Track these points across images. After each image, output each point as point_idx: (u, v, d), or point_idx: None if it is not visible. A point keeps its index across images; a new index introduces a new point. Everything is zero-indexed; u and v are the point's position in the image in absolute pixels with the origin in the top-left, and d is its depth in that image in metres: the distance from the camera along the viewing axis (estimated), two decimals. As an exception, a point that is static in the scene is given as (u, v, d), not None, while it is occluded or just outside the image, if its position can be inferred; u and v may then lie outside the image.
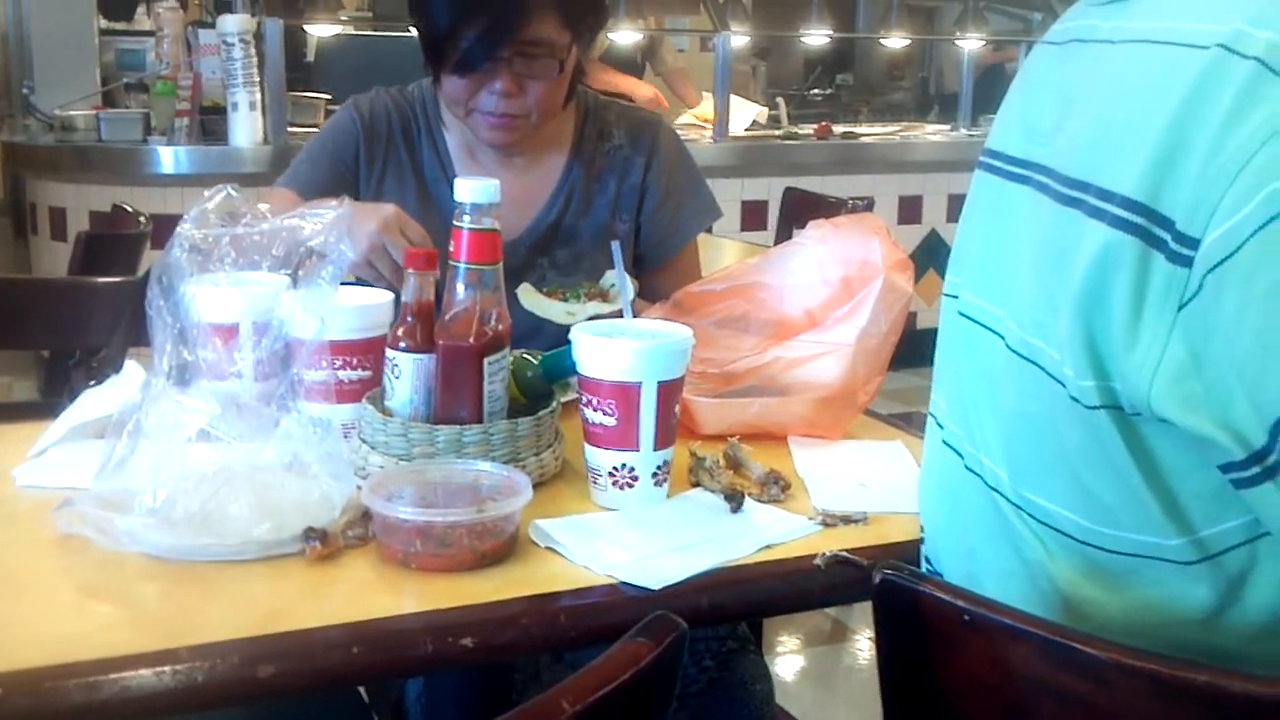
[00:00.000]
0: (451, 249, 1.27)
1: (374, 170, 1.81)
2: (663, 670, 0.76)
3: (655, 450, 1.24)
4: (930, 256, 5.07)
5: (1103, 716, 0.75)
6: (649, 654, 0.73)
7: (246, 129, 4.00)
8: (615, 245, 1.44)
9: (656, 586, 1.07)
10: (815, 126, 5.23)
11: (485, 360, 1.26)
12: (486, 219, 1.26)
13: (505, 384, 1.30)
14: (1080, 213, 0.84)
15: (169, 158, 4.05)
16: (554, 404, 1.34)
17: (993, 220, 1.00)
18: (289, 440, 1.23)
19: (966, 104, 5.59)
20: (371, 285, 1.45)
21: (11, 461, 1.34)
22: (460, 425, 1.26)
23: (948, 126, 5.75)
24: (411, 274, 1.29)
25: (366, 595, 1.07)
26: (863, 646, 3.13)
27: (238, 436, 1.25)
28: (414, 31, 1.74)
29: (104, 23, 5.77)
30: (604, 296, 1.68)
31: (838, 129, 5.29)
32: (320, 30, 4.85)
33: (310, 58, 5.25)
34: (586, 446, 1.27)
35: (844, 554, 1.14)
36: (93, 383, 1.50)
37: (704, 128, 4.98)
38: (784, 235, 3.69)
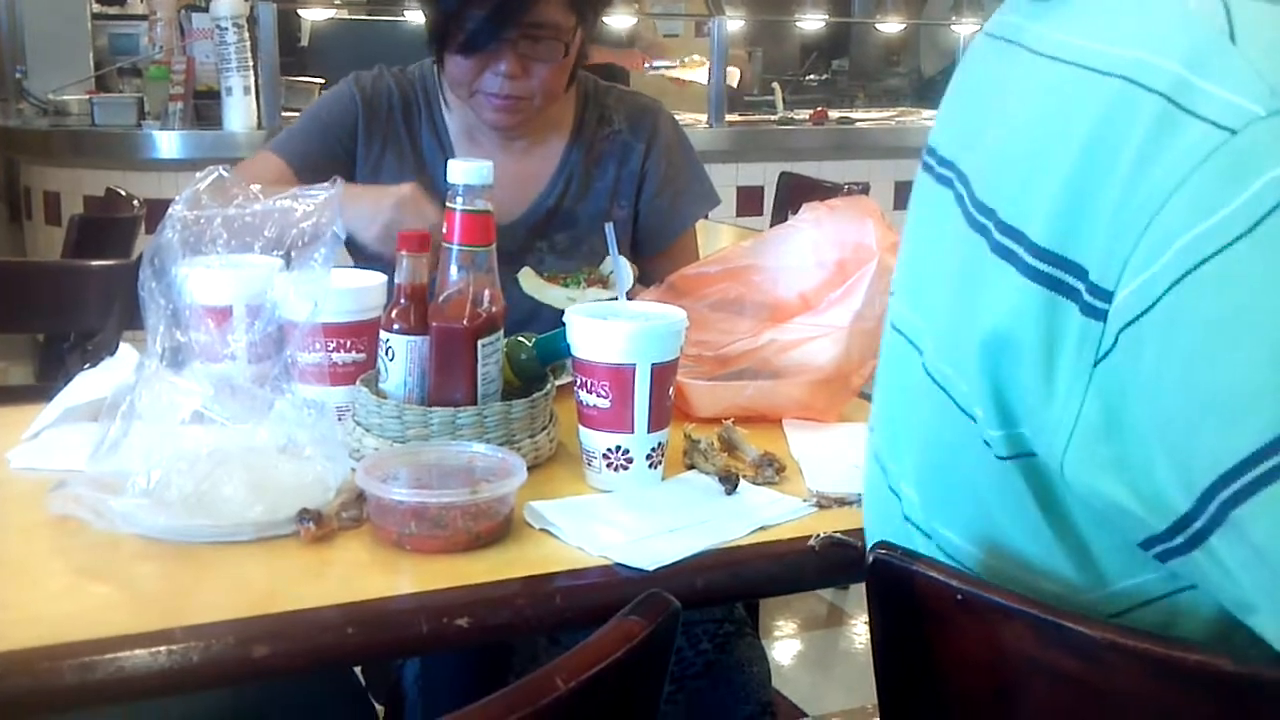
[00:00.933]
0: (444, 231, 1.27)
1: (372, 148, 1.81)
2: (656, 648, 0.76)
3: (650, 432, 1.24)
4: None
5: (1093, 695, 0.75)
6: (642, 631, 0.74)
7: (240, 113, 3.99)
8: (609, 228, 1.44)
9: (651, 567, 1.07)
10: (811, 112, 5.22)
11: (479, 342, 1.26)
12: (480, 200, 1.26)
13: (499, 366, 1.30)
14: (986, 244, 0.80)
15: (162, 142, 4.04)
16: (548, 386, 1.34)
17: (923, 222, 0.96)
18: (283, 422, 1.23)
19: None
20: (373, 268, 1.45)
21: (6, 444, 1.34)
22: (454, 407, 1.26)
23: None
24: (404, 256, 1.29)
25: (361, 576, 1.07)
26: (859, 631, 3.14)
27: (231, 418, 1.24)
28: (407, 16, 1.74)
29: (97, 7, 5.76)
30: (604, 282, 1.69)
31: (833, 114, 5.27)
32: (314, 14, 4.83)
33: (304, 42, 5.24)
34: (581, 428, 1.27)
35: (838, 535, 1.14)
36: (87, 366, 1.50)
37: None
38: (779, 220, 3.67)
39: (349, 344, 1.35)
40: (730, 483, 1.25)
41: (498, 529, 1.13)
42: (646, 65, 5.28)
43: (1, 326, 3.01)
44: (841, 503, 1.23)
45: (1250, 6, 0.73)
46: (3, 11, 5.53)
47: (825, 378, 1.49)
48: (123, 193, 3.06)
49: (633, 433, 1.24)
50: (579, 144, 1.86)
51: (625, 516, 1.18)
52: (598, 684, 0.70)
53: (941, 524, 0.88)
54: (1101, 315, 0.72)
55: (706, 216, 2.03)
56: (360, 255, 1.65)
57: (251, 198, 1.38)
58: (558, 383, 1.38)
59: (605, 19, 4.96)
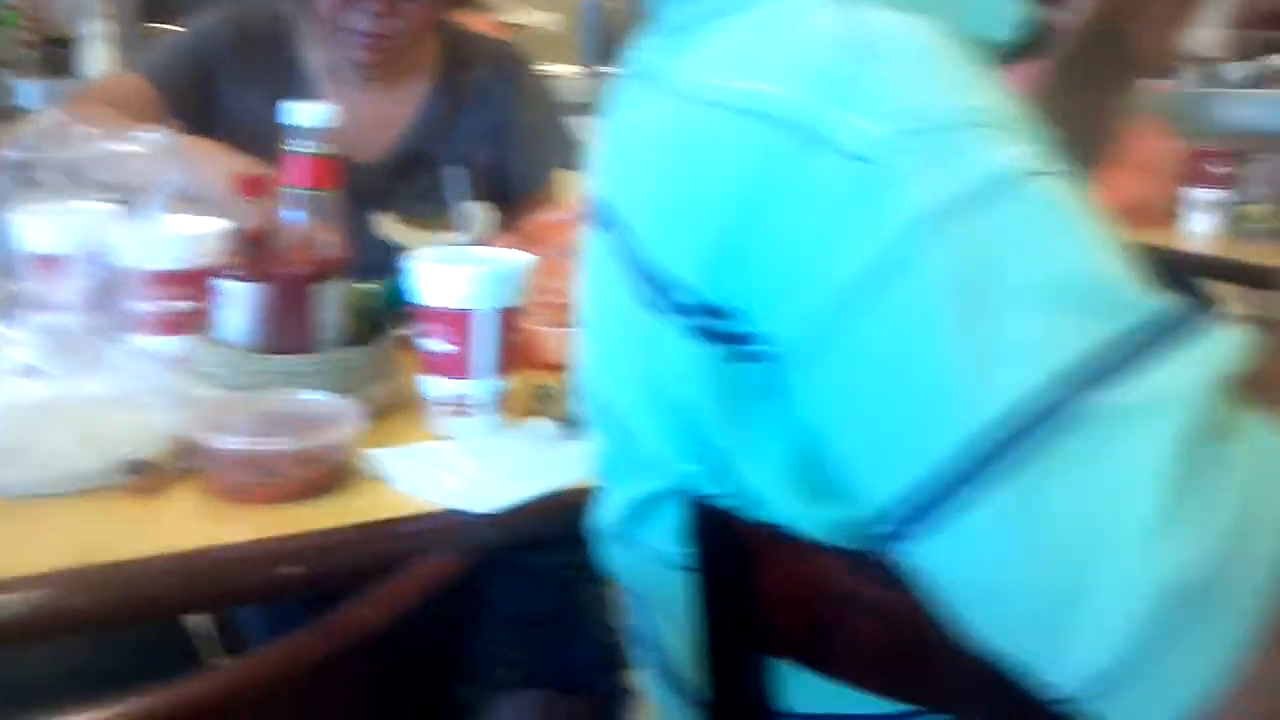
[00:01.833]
0: (285, 173, 1.24)
1: (236, 81, 1.77)
2: (469, 585, 0.76)
3: (493, 378, 1.24)
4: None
5: (904, 624, 0.77)
6: (452, 567, 0.73)
7: (96, 63, 3.86)
8: (456, 172, 1.42)
9: (488, 511, 1.07)
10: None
11: (319, 288, 1.24)
12: (321, 143, 1.24)
13: (340, 312, 1.28)
14: (650, 300, 0.78)
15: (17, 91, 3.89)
16: (390, 333, 1.32)
17: (594, 279, 0.90)
18: (116, 373, 1.20)
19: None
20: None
21: None
22: (293, 355, 1.24)
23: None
24: (241, 200, 1.26)
25: (192, 526, 1.05)
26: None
27: (65, 370, 1.21)
28: None
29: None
30: (459, 227, 1.67)
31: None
32: (178, -40, 4.68)
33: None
34: (423, 375, 1.26)
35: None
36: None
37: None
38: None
39: (185, 292, 1.32)
40: (573, 428, 1.24)
41: (332, 476, 1.11)
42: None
43: None
44: (684, 447, 1.24)
45: (882, 22, 0.72)
46: None
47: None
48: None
49: (475, 378, 1.23)
50: (442, 88, 1.84)
51: (465, 462, 1.17)
52: (408, 620, 0.70)
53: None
54: (771, 359, 0.71)
55: (571, 167, 2.03)
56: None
57: (89, 138, 1.34)
58: (401, 330, 1.36)
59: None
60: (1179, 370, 0.63)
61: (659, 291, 0.76)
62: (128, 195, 1.33)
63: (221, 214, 1.52)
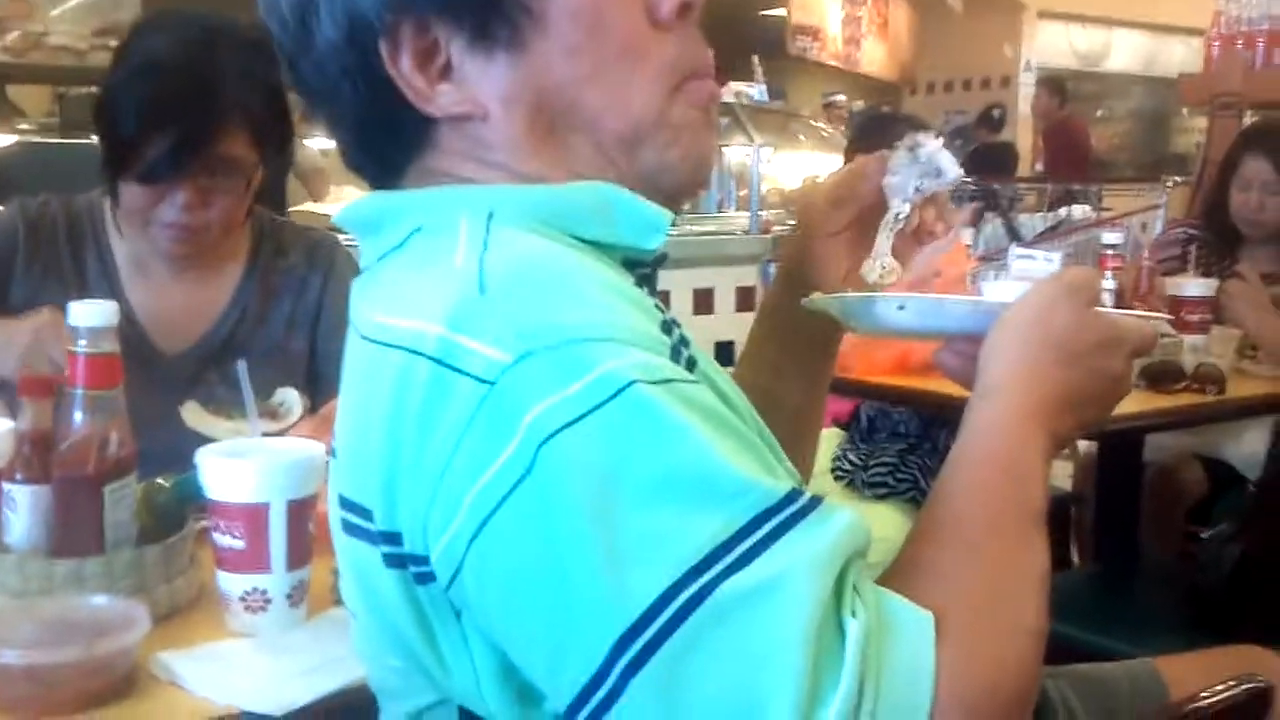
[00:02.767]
0: (67, 374, 1.23)
1: (31, 276, 1.75)
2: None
3: (288, 571, 1.22)
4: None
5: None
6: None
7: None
8: (240, 365, 1.42)
9: (279, 713, 1.05)
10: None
11: (106, 488, 1.22)
12: (105, 343, 1.23)
13: (131, 511, 1.26)
14: (347, 524, 0.82)
15: None
16: (186, 529, 1.30)
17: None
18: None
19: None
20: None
21: None
22: (81, 558, 1.21)
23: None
24: (25, 401, 1.24)
25: (-36, 747, 1.01)
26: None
27: None
28: (94, 139, 1.71)
29: None
30: (274, 414, 1.66)
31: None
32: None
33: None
34: (218, 571, 1.24)
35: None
36: None
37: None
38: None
39: (-31, 496, 1.28)
40: (373, 617, 1.23)
41: (119, 684, 1.08)
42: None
43: None
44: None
45: (516, 250, 0.77)
46: None
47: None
48: None
49: (270, 572, 1.21)
50: (254, 275, 1.84)
51: (260, 660, 1.15)
52: None
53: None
54: (434, 579, 0.74)
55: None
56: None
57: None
58: (198, 524, 1.34)
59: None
60: (800, 553, 0.68)
61: (359, 519, 0.80)
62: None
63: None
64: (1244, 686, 1.10)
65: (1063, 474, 3.77)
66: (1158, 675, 1.40)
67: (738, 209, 5.92)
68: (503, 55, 0.83)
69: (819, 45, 10.21)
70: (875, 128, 3.84)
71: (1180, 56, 12.30)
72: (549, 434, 0.69)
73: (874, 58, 11.33)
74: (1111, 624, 2.28)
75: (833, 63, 10.68)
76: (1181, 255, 3.12)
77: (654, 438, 0.69)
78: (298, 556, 1.23)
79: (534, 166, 0.85)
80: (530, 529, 0.69)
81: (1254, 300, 2.68)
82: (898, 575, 0.76)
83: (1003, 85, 11.78)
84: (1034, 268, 3.07)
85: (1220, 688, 1.10)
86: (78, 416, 1.22)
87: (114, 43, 4.87)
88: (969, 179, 6.83)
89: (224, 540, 1.22)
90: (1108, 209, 7.00)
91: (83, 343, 1.22)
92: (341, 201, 5.04)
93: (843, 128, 8.22)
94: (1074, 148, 9.36)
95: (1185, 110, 9.53)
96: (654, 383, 0.71)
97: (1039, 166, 10.16)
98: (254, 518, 1.20)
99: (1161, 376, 2.47)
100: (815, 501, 0.71)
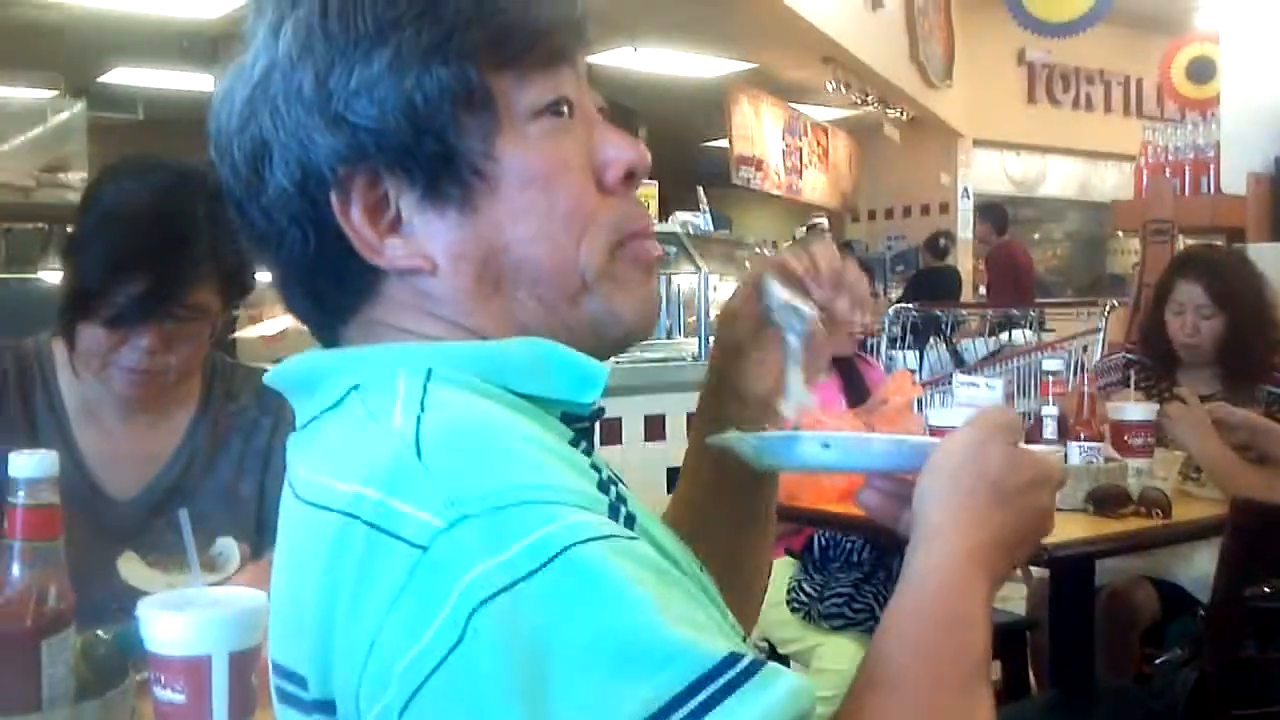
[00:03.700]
0: (5, 526, 1.20)
1: None
2: None
3: (230, 725, 1.19)
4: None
5: None
6: None
7: None
8: (182, 514, 1.40)
9: None
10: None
11: (44, 643, 1.19)
12: (44, 493, 1.21)
13: (69, 665, 1.23)
14: (283, 692, 0.81)
15: None
16: (126, 683, 1.27)
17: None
18: None
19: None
20: None
21: None
22: (18, 716, 1.17)
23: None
24: (-39, 556, 1.21)
25: None
26: None
27: None
28: (41, 276, 1.71)
29: None
30: (212, 565, 1.63)
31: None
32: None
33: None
34: (159, 726, 1.20)
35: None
36: None
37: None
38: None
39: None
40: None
41: None
42: None
43: None
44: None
45: (451, 412, 0.77)
46: None
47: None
48: None
49: (212, 727, 1.18)
50: (205, 418, 1.83)
51: (200, 821, 1.11)
52: None
53: None
54: None
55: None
56: None
57: None
58: (139, 677, 1.31)
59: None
60: None
61: (293, 686, 0.78)
62: None
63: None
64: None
65: (1017, 596, 3.78)
66: None
67: (686, 335, 5.99)
68: (453, 213, 0.84)
69: (761, 175, 10.44)
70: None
71: (1113, 181, 12.70)
72: (482, 600, 0.67)
73: (815, 186, 11.60)
74: (1070, 753, 2.26)
75: (775, 192, 10.93)
76: (1122, 379, 3.18)
77: (588, 602, 0.68)
78: (240, 710, 1.20)
79: (477, 321, 0.86)
80: (459, 702, 0.67)
81: (1195, 422, 2.72)
82: None
83: (942, 211, 12.07)
84: (977, 395, 3.12)
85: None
86: (15, 569, 1.19)
87: (62, 177, 4.92)
88: (910, 305, 6.95)
89: (164, 694, 1.18)
90: (1050, 330, 7.14)
91: (21, 494, 1.20)
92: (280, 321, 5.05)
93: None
94: (1016, 272, 9.56)
95: (1120, 233, 9.80)
96: (591, 540, 0.69)
97: (982, 290, 10.36)
98: (195, 671, 1.17)
99: (1108, 501, 2.49)
100: (755, 666, 0.69)
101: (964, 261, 11.11)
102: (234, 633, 1.19)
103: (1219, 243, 4.51)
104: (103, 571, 1.59)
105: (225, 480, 1.82)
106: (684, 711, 0.66)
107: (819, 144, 11.68)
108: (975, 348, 6.91)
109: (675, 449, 4.78)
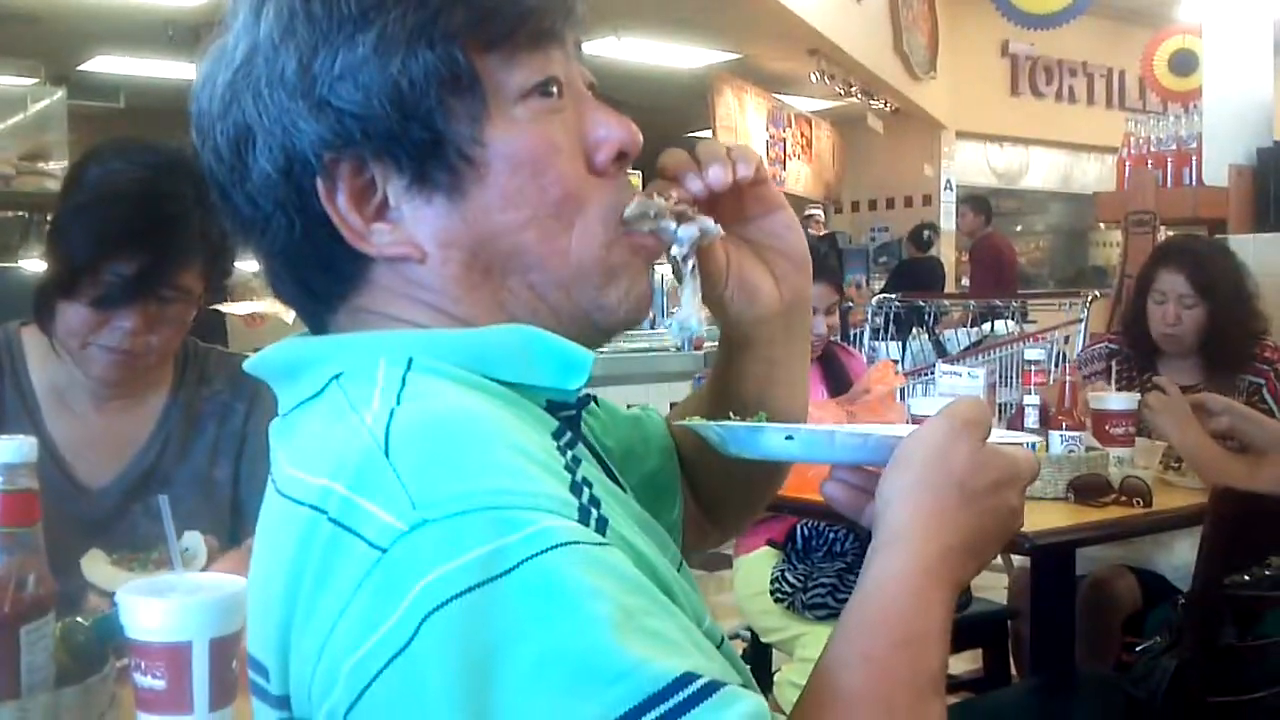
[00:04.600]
0: (-13, 510, 1.20)
1: None
2: None
3: (211, 711, 1.18)
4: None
5: None
6: None
7: None
8: (162, 500, 1.39)
9: None
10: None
11: (22, 629, 1.18)
12: (22, 479, 1.20)
13: (48, 652, 1.22)
14: (255, 686, 0.80)
15: None
16: (106, 669, 1.26)
17: None
18: None
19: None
20: None
21: None
22: (-5, 703, 1.17)
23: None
24: (-62, 542, 1.21)
25: None
26: None
27: None
28: (20, 265, 1.70)
29: None
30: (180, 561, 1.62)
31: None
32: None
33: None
34: (138, 713, 1.20)
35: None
36: None
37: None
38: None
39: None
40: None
41: (31, 838, 1.04)
42: None
43: None
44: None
45: (418, 399, 0.76)
46: None
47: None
48: None
49: (192, 713, 1.17)
50: (178, 402, 1.82)
51: (179, 807, 1.11)
52: None
53: None
54: None
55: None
56: None
57: None
58: (119, 664, 1.30)
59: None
60: None
61: (260, 678, 0.78)
62: None
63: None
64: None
65: (998, 585, 3.79)
66: None
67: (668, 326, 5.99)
68: (441, 199, 0.82)
69: (746, 166, 10.40)
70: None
71: (1095, 173, 12.74)
72: (435, 605, 0.66)
73: (799, 177, 11.59)
74: (1051, 740, 2.27)
75: (759, 182, 10.87)
76: (1105, 369, 3.19)
77: (541, 615, 0.66)
78: (221, 696, 1.19)
79: (466, 309, 0.84)
80: (402, 707, 0.66)
81: (1176, 412, 2.72)
82: None
83: (925, 203, 12.09)
84: (959, 384, 3.12)
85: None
86: (-8, 555, 1.19)
87: (41, 165, 4.89)
88: (893, 295, 6.97)
89: (144, 681, 1.18)
90: (1032, 321, 7.17)
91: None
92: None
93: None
94: (1000, 263, 9.59)
95: (1102, 225, 9.83)
96: (552, 549, 0.67)
97: (965, 281, 10.39)
98: (175, 657, 1.17)
99: (1089, 490, 2.50)
100: (711, 688, 0.66)
101: (947, 253, 11.14)
102: (215, 619, 1.19)
103: (1201, 234, 4.53)
104: (78, 560, 1.58)
105: (200, 465, 1.81)
106: None
107: (802, 135, 11.68)
108: (958, 338, 6.93)
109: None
